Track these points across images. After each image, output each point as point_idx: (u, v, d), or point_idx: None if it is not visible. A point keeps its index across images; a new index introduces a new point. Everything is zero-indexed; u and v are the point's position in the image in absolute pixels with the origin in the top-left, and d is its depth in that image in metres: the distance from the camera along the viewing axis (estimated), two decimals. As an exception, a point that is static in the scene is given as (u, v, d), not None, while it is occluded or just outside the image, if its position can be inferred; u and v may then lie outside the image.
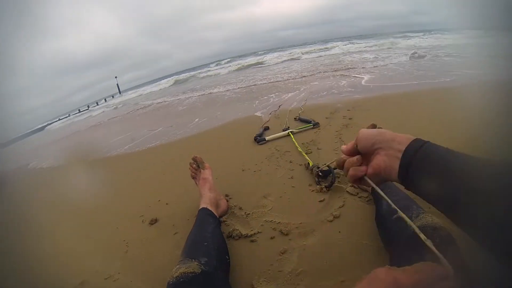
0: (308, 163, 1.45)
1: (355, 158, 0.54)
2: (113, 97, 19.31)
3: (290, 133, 2.02)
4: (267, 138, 2.01)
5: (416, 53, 5.35)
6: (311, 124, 2.09)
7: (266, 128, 2.33)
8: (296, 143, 1.77)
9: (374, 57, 6.18)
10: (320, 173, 1.30)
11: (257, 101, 3.72)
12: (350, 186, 1.22)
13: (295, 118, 2.46)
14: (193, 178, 1.29)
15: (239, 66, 11.42)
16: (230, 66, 12.61)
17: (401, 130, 0.48)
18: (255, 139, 2.04)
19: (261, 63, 10.76)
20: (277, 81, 5.38)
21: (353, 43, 11.18)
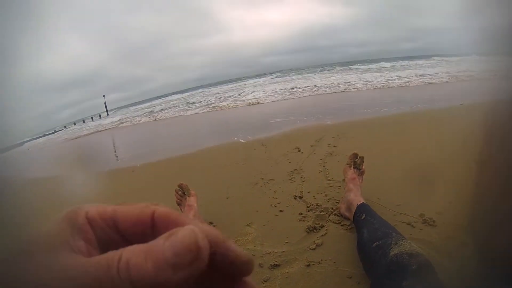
0: None
1: None
2: (100, 116, 19.00)
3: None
4: None
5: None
6: None
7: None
8: None
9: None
10: None
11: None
12: (333, 214, 1.25)
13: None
14: (179, 204, 1.30)
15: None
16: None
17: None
18: None
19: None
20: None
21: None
